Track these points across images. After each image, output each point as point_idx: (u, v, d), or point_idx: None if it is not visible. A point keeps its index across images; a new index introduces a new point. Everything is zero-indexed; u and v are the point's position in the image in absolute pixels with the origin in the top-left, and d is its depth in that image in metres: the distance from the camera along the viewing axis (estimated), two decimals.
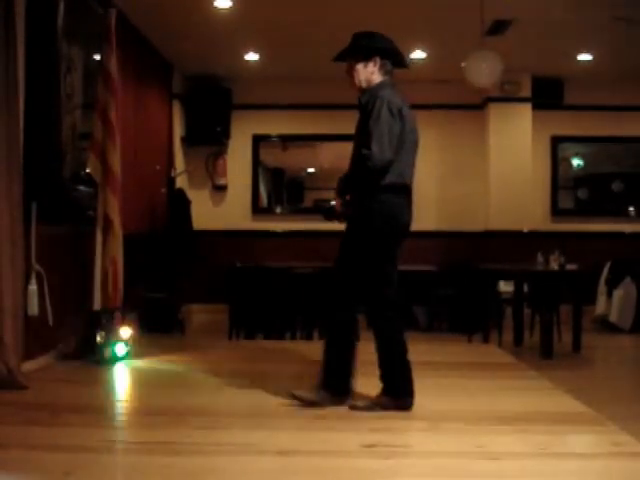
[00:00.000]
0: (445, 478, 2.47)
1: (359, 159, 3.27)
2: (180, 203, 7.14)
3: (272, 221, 8.22)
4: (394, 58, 3.47)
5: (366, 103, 3.34)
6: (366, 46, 3.41)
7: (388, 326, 3.33)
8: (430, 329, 6.70)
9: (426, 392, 3.57)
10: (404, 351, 3.33)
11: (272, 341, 5.50)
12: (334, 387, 3.37)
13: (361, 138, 3.31)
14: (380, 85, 3.39)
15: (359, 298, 3.36)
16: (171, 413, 3.26)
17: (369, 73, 3.40)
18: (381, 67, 3.40)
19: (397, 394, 3.32)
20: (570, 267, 5.66)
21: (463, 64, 5.80)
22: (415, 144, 3.44)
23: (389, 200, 3.28)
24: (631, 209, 8.11)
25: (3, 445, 2.73)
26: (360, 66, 3.40)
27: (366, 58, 3.39)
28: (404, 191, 3.37)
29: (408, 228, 3.41)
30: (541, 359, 5.23)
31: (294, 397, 3.37)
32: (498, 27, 6.11)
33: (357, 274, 3.32)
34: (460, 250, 7.62)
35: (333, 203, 3.44)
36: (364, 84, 3.42)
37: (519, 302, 6.04)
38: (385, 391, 3.34)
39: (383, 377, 3.35)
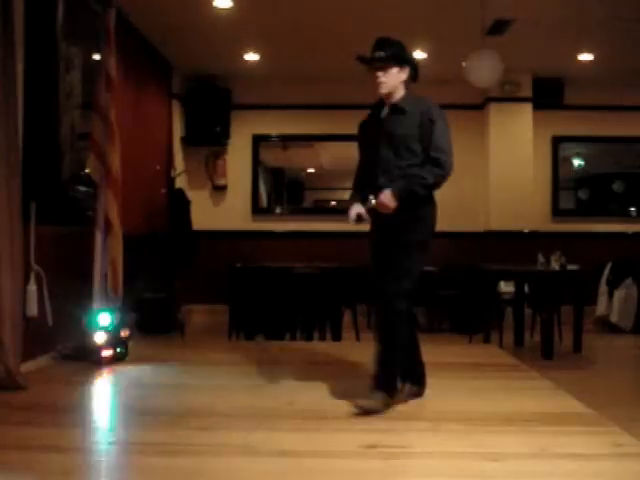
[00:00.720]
0: (445, 478, 2.46)
1: (430, 164, 3.36)
2: (180, 203, 7.13)
3: (272, 221, 8.21)
4: (416, 73, 3.54)
5: (416, 112, 3.42)
6: (404, 54, 3.47)
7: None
8: (431, 329, 6.69)
9: (426, 392, 3.57)
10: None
11: (272, 341, 5.49)
12: (390, 388, 3.35)
13: (401, 140, 3.39)
14: (414, 94, 3.52)
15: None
16: (171, 413, 3.26)
17: (399, 80, 3.46)
18: (409, 78, 3.50)
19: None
20: (571, 267, 5.65)
21: (463, 64, 5.79)
22: None
23: (435, 206, 3.52)
24: (632, 209, 8.11)
25: (2, 445, 2.73)
26: (395, 70, 3.44)
27: (402, 65, 3.45)
28: None
29: None
30: (542, 360, 5.22)
31: (362, 410, 3.25)
32: (498, 27, 6.10)
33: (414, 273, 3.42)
34: (460, 250, 7.61)
35: (373, 201, 3.38)
36: (390, 89, 3.46)
37: (520, 302, 6.02)
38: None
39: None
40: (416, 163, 3.39)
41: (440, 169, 3.35)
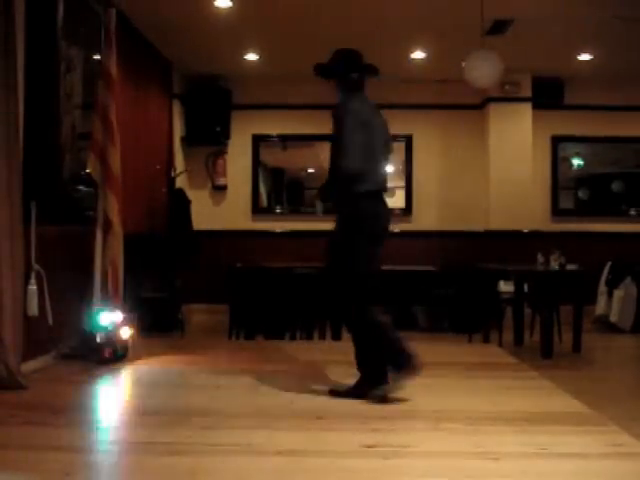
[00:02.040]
0: (445, 478, 2.46)
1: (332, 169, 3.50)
2: (180, 203, 7.14)
3: (272, 221, 8.22)
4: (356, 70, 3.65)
5: (333, 116, 3.53)
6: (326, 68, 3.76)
7: (362, 314, 3.46)
8: (430, 329, 6.69)
9: (426, 392, 3.57)
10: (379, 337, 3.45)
11: (272, 341, 5.50)
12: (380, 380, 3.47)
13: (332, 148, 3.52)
14: (346, 98, 3.58)
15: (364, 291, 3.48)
16: (171, 413, 3.26)
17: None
18: (339, 85, 3.67)
19: (375, 382, 3.44)
20: (570, 267, 5.65)
21: (463, 64, 5.79)
22: (388, 151, 3.73)
23: (366, 206, 3.46)
24: (631, 209, 8.11)
25: (3, 445, 2.73)
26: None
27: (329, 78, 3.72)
28: (379, 196, 3.57)
29: (387, 229, 3.62)
30: (541, 359, 5.23)
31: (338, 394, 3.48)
32: (498, 27, 6.11)
33: (350, 272, 3.46)
34: (460, 250, 7.62)
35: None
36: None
37: (519, 302, 6.03)
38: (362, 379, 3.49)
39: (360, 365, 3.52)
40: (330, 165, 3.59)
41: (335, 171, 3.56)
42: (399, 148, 7.90)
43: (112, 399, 3.74)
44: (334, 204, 3.55)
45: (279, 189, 8.72)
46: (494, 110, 7.90)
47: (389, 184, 3.77)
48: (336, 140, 3.42)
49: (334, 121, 3.47)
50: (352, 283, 3.45)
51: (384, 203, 3.59)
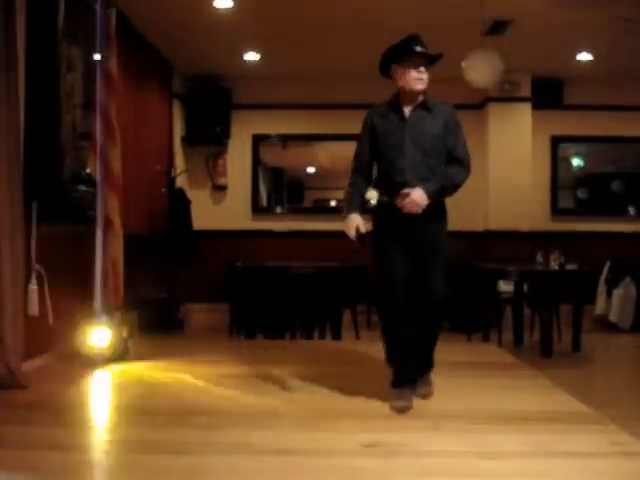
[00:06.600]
0: (445, 478, 2.47)
1: (457, 164, 3.53)
2: (180, 203, 7.14)
3: (272, 221, 8.22)
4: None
5: (440, 112, 3.57)
6: None
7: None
8: None
9: None
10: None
11: (272, 341, 5.50)
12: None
13: (430, 139, 3.50)
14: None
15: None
16: (171, 413, 3.27)
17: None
18: None
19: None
20: (570, 267, 5.66)
21: (463, 64, 5.80)
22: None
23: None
24: (631, 209, 8.12)
25: (3, 445, 2.74)
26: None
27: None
28: None
29: None
30: (541, 358, 5.23)
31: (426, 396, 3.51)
32: (498, 27, 6.11)
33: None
34: (460, 250, 7.59)
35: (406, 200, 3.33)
36: (425, 87, 3.57)
37: (519, 302, 6.04)
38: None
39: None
40: (440, 163, 3.45)
41: (465, 170, 3.46)
42: None
43: (112, 399, 3.75)
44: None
45: (279, 189, 8.73)
46: (493, 110, 7.90)
47: None
48: (460, 137, 3.56)
49: (456, 119, 3.60)
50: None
51: None
